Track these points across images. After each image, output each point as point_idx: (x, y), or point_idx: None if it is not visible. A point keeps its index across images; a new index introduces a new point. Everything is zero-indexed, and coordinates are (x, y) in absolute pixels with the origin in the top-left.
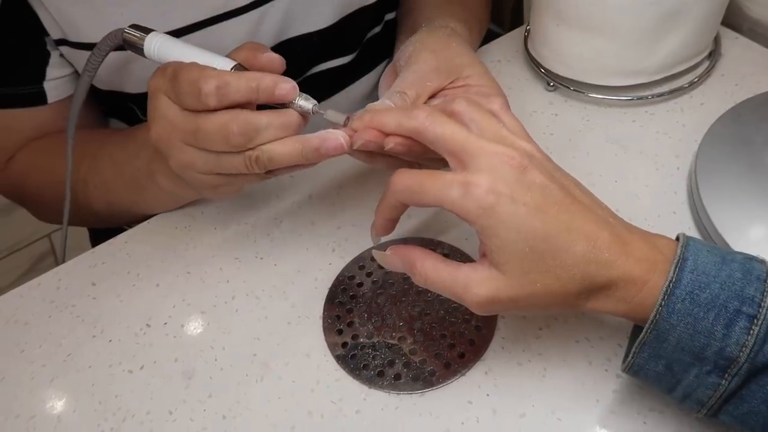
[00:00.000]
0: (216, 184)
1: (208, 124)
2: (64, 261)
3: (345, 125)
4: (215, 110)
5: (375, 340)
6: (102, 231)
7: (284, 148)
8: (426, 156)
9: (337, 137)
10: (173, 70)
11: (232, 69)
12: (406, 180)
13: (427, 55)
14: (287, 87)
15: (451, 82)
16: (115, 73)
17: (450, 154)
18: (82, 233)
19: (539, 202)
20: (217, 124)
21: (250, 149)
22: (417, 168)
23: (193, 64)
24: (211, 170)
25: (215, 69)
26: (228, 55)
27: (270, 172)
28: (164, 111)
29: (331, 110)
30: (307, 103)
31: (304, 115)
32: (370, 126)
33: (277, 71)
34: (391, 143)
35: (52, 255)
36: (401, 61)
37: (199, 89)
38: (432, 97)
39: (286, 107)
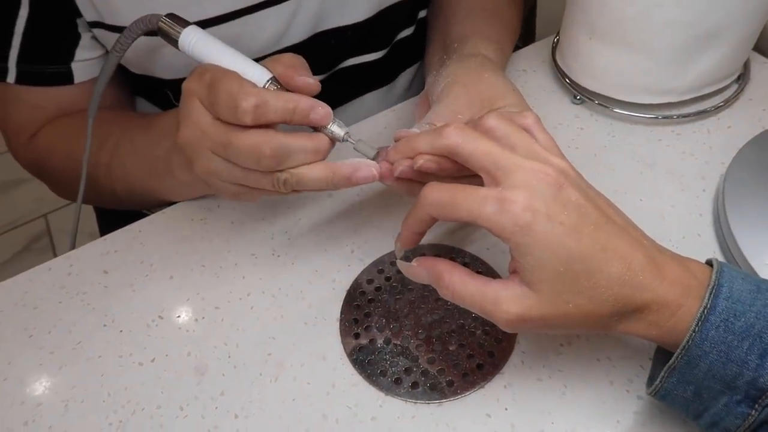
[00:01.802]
0: (237, 193)
1: (241, 141)
2: (75, 242)
3: (374, 159)
4: (249, 127)
5: (392, 346)
6: (110, 216)
7: (314, 174)
8: (460, 173)
9: (370, 168)
10: (211, 78)
11: (267, 81)
12: (438, 193)
13: (459, 90)
14: (323, 112)
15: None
16: (144, 56)
17: (484, 170)
18: (91, 217)
19: (575, 221)
20: (249, 143)
21: (278, 171)
22: None
23: (233, 76)
24: (236, 182)
25: (254, 85)
26: (264, 64)
27: (294, 191)
28: (197, 117)
29: (363, 142)
30: (340, 130)
31: (333, 140)
32: (404, 152)
33: (312, 95)
34: (420, 160)
35: (48, 236)
36: (433, 95)
37: (237, 105)
38: None
39: (317, 131)
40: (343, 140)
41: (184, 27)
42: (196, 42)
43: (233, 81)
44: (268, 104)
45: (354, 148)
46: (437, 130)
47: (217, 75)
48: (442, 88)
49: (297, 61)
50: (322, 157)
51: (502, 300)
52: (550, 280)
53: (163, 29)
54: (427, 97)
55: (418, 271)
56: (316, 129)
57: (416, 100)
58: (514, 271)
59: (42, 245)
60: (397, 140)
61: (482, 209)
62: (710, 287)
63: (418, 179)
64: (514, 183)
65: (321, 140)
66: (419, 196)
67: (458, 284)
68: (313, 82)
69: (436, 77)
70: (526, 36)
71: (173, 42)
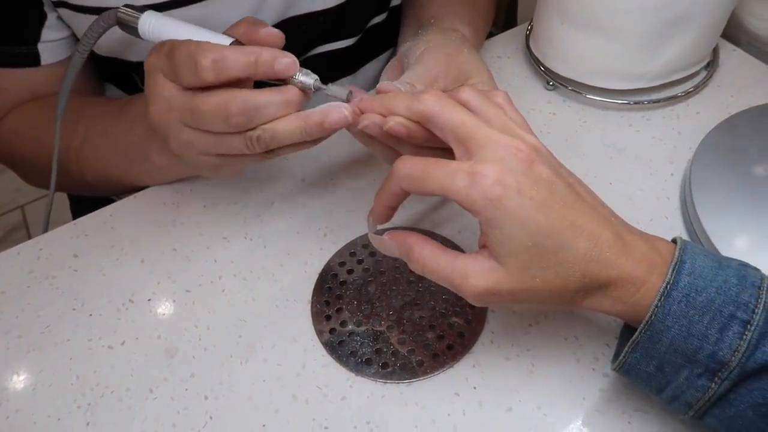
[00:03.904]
0: (216, 165)
1: (206, 104)
2: (47, 229)
3: (347, 100)
4: (213, 88)
5: (364, 327)
6: (83, 203)
7: (286, 126)
8: (426, 144)
9: (341, 110)
10: (169, 47)
11: (230, 45)
12: (410, 166)
13: (440, 57)
14: (287, 61)
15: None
16: (119, 41)
17: (457, 141)
18: (63, 205)
19: (545, 197)
20: (214, 104)
21: (250, 129)
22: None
23: (190, 41)
24: (211, 151)
25: (212, 43)
26: (226, 32)
27: (271, 152)
28: (161, 90)
29: (333, 85)
30: (307, 78)
31: (304, 90)
32: (379, 108)
33: (277, 47)
34: (391, 122)
35: (24, 227)
36: (411, 58)
37: (196, 62)
38: None
39: (286, 83)
40: (314, 89)
41: (142, 13)
42: (154, 25)
43: (190, 44)
44: (228, 58)
45: (326, 94)
46: (415, 95)
47: (174, 43)
48: (422, 51)
49: (257, 20)
50: (294, 110)
51: (470, 273)
52: (518, 254)
53: (121, 20)
54: (401, 63)
55: (389, 244)
56: (284, 82)
57: (390, 64)
58: (483, 246)
59: (19, 237)
60: (379, 92)
61: (453, 183)
62: (673, 263)
63: (383, 140)
64: (485, 157)
65: (290, 92)
66: (391, 170)
67: (428, 258)
68: (276, 32)
69: (415, 42)
70: (507, 25)
71: (134, 30)
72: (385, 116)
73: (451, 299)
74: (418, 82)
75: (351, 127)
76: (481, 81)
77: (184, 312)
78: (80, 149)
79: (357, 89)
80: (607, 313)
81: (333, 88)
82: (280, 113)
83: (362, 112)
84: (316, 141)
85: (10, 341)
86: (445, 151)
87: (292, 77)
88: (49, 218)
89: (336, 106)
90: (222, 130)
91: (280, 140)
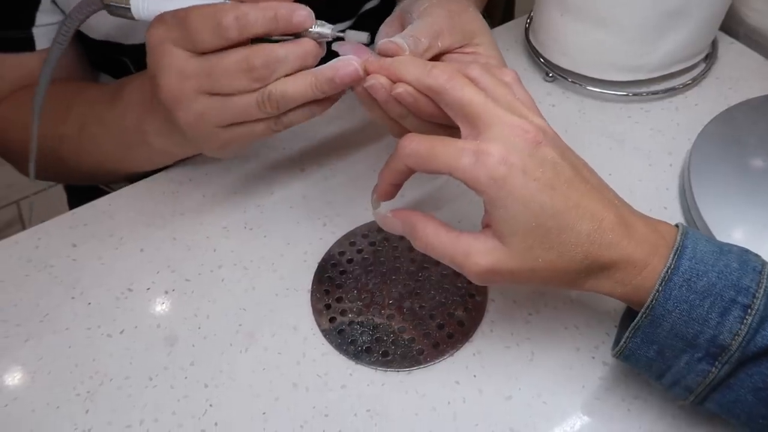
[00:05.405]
0: (225, 140)
1: (226, 59)
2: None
3: (369, 44)
4: (227, 49)
5: (363, 316)
6: (80, 195)
7: (297, 82)
8: (430, 119)
9: (351, 63)
10: (179, 15)
11: None
12: (416, 144)
13: (444, 13)
14: (304, 14)
15: (460, 46)
16: (115, 23)
17: (465, 119)
18: (60, 197)
19: (550, 178)
20: (235, 60)
21: (262, 87)
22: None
23: (200, 5)
24: (222, 119)
25: (227, 3)
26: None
27: (281, 120)
28: (172, 60)
29: (351, 30)
30: (324, 29)
31: (320, 42)
32: (387, 72)
33: None
34: (400, 88)
35: (20, 222)
36: (414, 13)
37: (218, 22)
38: (440, 55)
39: (300, 36)
40: (332, 39)
41: None
42: (150, 1)
43: (203, 7)
44: (248, 15)
45: (346, 39)
46: (426, 68)
47: (182, 11)
48: (425, 6)
49: None
50: (312, 63)
51: (473, 252)
52: (521, 234)
53: (109, 2)
54: (401, 19)
55: (392, 222)
56: (298, 35)
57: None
58: (487, 225)
59: (13, 232)
60: (380, 51)
61: (459, 161)
62: (675, 248)
63: (386, 105)
64: (492, 136)
65: (308, 44)
66: (396, 147)
67: (431, 236)
68: None
69: None
70: (505, 19)
71: (125, 11)
72: (393, 81)
73: (451, 288)
74: (422, 36)
75: (356, 84)
76: (484, 42)
77: (184, 301)
78: (77, 139)
79: (365, 48)
80: (609, 295)
81: (351, 33)
82: (298, 66)
83: (369, 73)
84: (325, 105)
85: (9, 330)
86: (447, 128)
87: (309, 30)
88: (31, 217)
89: (346, 60)
90: (242, 86)
91: (291, 98)
